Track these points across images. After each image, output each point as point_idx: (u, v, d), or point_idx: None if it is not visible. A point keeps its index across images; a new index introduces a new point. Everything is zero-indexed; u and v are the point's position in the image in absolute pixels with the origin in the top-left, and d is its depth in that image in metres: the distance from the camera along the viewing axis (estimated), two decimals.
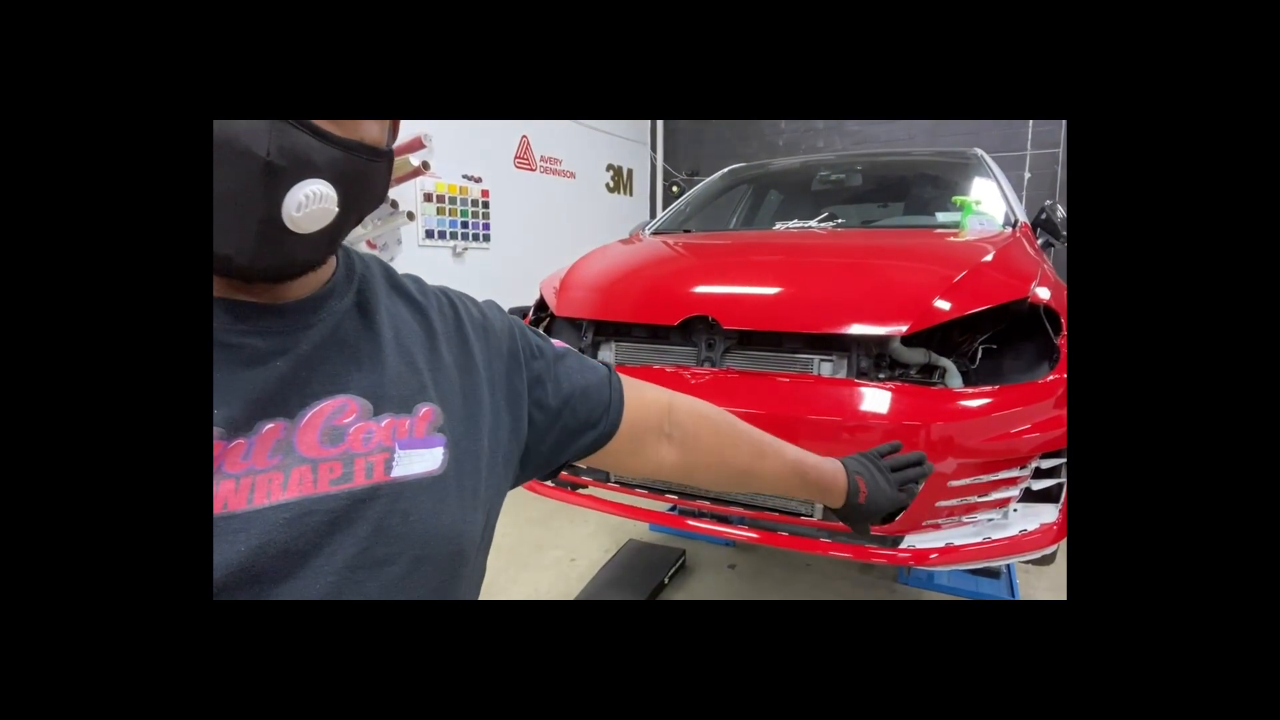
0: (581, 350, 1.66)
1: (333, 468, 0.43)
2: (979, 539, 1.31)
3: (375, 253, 3.74)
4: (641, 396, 0.67)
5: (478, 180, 4.11)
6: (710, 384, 1.40)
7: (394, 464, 0.45)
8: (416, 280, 0.57)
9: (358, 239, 3.27)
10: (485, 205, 4.20)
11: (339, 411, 0.44)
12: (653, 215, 5.98)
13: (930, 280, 1.43)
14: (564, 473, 1.69)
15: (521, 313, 4.05)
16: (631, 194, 5.76)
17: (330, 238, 0.42)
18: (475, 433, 0.51)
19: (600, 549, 2.50)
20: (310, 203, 0.38)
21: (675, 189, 2.84)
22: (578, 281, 1.76)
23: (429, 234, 3.81)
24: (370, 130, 0.42)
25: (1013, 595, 2.01)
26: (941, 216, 2.09)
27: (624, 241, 2.18)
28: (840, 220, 2.18)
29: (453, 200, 3.95)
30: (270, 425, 0.41)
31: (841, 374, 1.38)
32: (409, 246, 3.62)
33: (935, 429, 1.24)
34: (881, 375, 1.37)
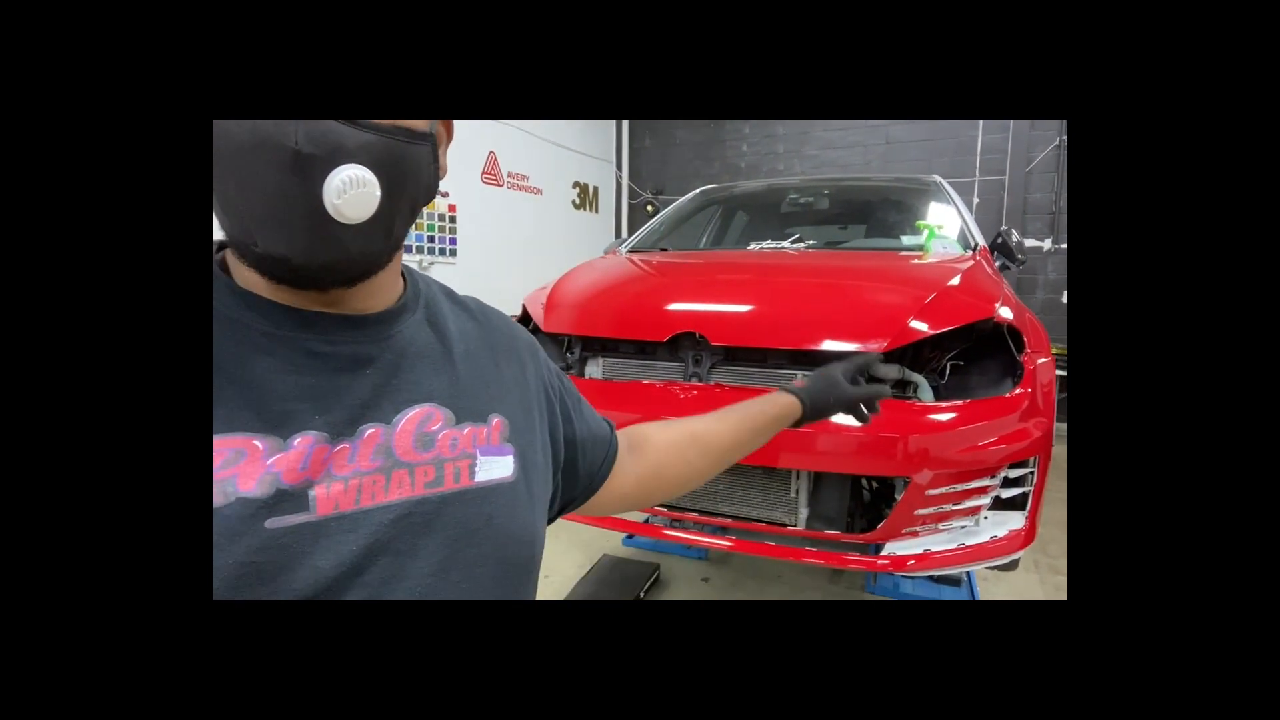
0: (569, 366, 1.68)
1: (426, 471, 0.45)
2: (954, 545, 1.38)
3: None
4: (621, 462, 0.67)
5: (445, 195, 4.10)
6: (699, 399, 1.44)
7: (477, 469, 0.47)
8: (475, 300, 0.59)
9: None
10: (452, 220, 4.18)
11: (428, 419, 0.46)
12: (618, 233, 6.04)
13: (904, 302, 1.51)
14: None
15: None
16: (597, 211, 5.82)
17: (385, 227, 0.41)
18: (533, 446, 0.54)
19: (574, 565, 2.50)
20: (349, 187, 0.37)
21: (650, 208, 2.89)
22: (564, 298, 1.78)
23: None
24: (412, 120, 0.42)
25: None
26: (906, 240, 2.19)
27: (604, 259, 2.22)
28: (811, 242, 2.27)
29: (420, 215, 3.92)
30: (371, 429, 0.43)
31: None
32: None
33: (913, 441, 1.31)
34: None
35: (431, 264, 4.03)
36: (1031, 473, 1.42)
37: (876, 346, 1.39)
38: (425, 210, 3.95)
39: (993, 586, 2.25)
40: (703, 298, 1.65)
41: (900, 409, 1.37)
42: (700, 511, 1.50)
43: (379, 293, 0.47)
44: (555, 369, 0.63)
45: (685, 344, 1.52)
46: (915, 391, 1.49)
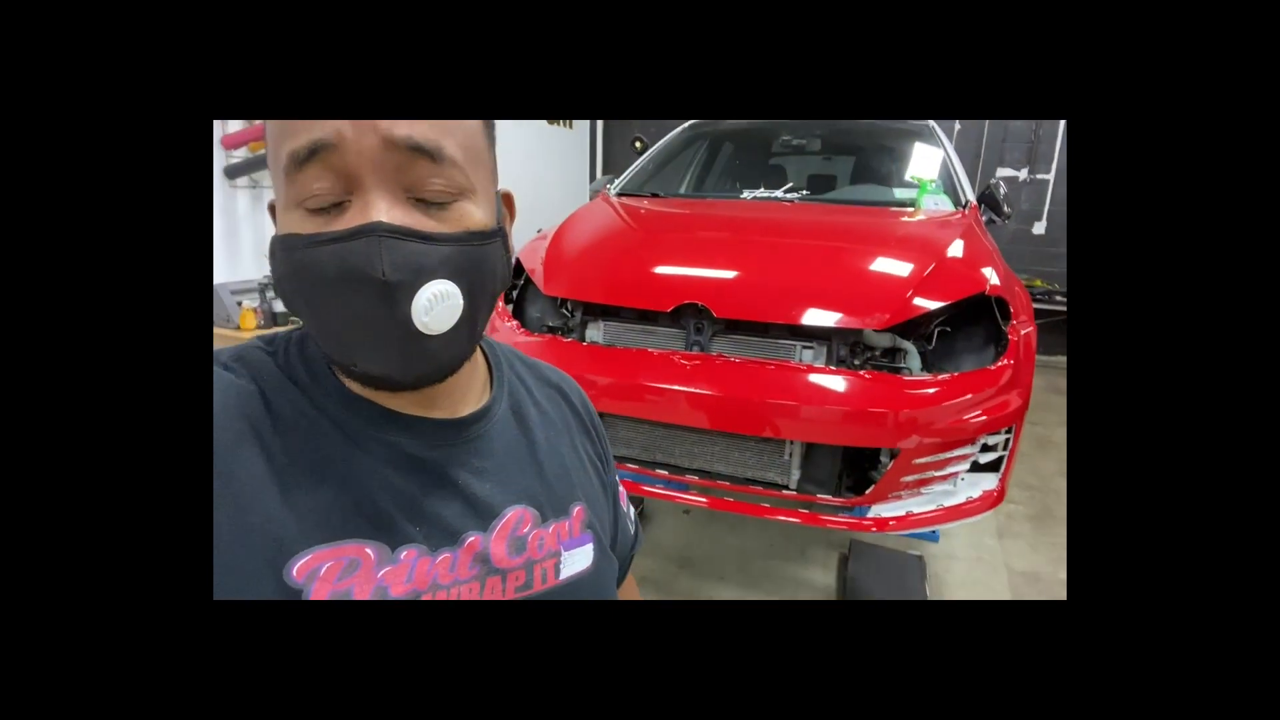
0: (569, 329, 1.68)
1: (518, 576, 0.47)
2: (933, 506, 1.50)
3: None
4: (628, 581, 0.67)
5: None
6: (701, 369, 1.48)
7: (562, 567, 0.49)
8: (549, 369, 0.59)
9: None
10: None
11: (519, 523, 0.48)
12: (592, 148, 5.82)
13: (905, 275, 1.54)
14: None
15: None
16: (571, 127, 5.56)
17: (469, 329, 0.43)
18: (605, 522, 0.56)
19: None
20: (436, 304, 0.39)
21: (638, 145, 2.79)
22: (564, 259, 1.75)
23: None
24: (473, 214, 0.42)
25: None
26: (898, 193, 2.19)
27: (598, 209, 2.16)
28: (804, 192, 2.25)
29: None
30: (471, 538, 0.45)
31: (821, 361, 1.49)
32: None
33: (903, 415, 1.38)
34: (856, 361, 1.49)
35: None
36: (1008, 438, 1.52)
37: (876, 323, 1.43)
38: None
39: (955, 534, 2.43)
40: (707, 264, 1.64)
41: (891, 384, 1.43)
42: (698, 473, 1.58)
43: (468, 390, 0.49)
44: (609, 447, 0.63)
45: (688, 313, 1.53)
46: (904, 357, 1.55)
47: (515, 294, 1.85)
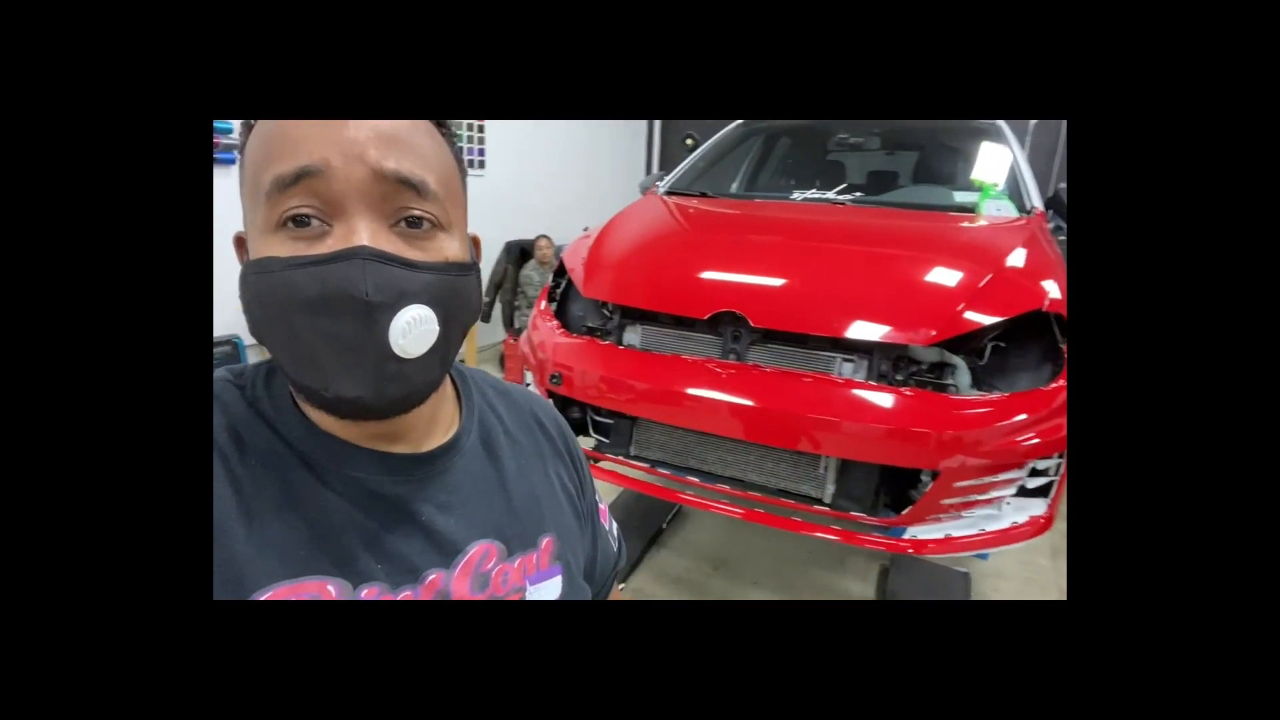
0: (607, 331, 1.69)
1: None
2: (974, 531, 1.43)
3: None
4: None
5: None
6: (735, 378, 1.46)
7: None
8: (524, 392, 0.59)
9: None
10: (480, 130, 4.04)
11: (484, 558, 0.47)
12: (649, 143, 5.79)
13: (957, 287, 1.47)
14: (584, 444, 1.77)
15: (521, 246, 3.97)
16: (628, 120, 5.55)
17: (442, 356, 0.43)
18: (577, 551, 0.56)
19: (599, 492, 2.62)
20: (414, 327, 0.39)
21: (689, 142, 2.76)
22: (605, 260, 1.75)
23: None
24: (449, 248, 0.43)
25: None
26: (959, 196, 2.09)
27: (643, 208, 2.15)
28: (857, 193, 2.18)
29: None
30: (433, 576, 0.45)
31: (862, 375, 1.45)
32: None
33: (947, 436, 1.32)
34: (899, 377, 1.44)
35: None
36: (1060, 463, 1.44)
37: (923, 339, 1.38)
38: (452, 121, 3.82)
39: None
40: (747, 271, 1.61)
41: (935, 402, 1.37)
42: (729, 481, 1.56)
43: (435, 423, 0.49)
44: (588, 474, 0.62)
45: (725, 320, 1.51)
46: (953, 373, 1.49)
47: (558, 294, 1.87)
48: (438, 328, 0.41)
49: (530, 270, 3.77)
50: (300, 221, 0.38)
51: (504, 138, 4.19)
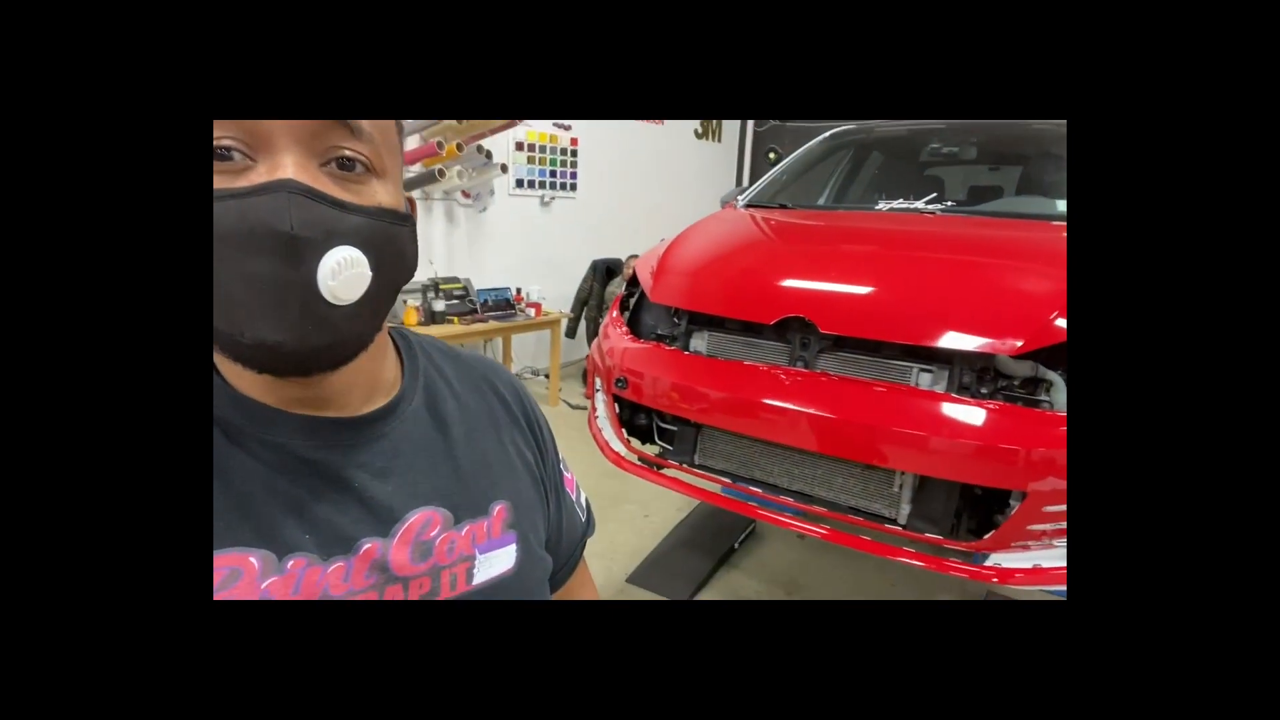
0: (674, 337, 1.69)
1: (422, 584, 0.44)
2: (1067, 562, 1.29)
3: (469, 203, 3.78)
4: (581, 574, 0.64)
5: (567, 128, 4.09)
6: (803, 385, 1.41)
7: (475, 572, 0.46)
8: (478, 359, 0.57)
9: (454, 189, 3.36)
10: (574, 154, 4.19)
11: (426, 526, 0.45)
12: (740, 163, 5.79)
13: (1048, 292, 1.36)
14: (647, 450, 1.76)
15: (607, 265, 4.07)
16: (720, 140, 5.59)
17: (372, 307, 0.40)
18: (535, 522, 0.53)
19: (674, 507, 2.59)
20: (343, 269, 0.37)
21: (771, 155, 2.73)
22: (674, 266, 1.76)
23: (519, 183, 3.85)
24: (383, 195, 0.40)
25: None
26: (1062, 205, 1.94)
27: (718, 218, 2.15)
28: (949, 203, 2.07)
29: (543, 149, 3.97)
30: (368, 544, 0.42)
31: (941, 386, 1.36)
32: (500, 196, 3.69)
33: (1035, 454, 1.21)
34: (984, 390, 1.34)
35: (553, 199, 4.09)
36: None
37: (1008, 348, 1.27)
38: (548, 145, 4.00)
39: None
40: (816, 276, 1.57)
41: (1024, 418, 1.26)
42: (795, 495, 1.50)
43: (372, 387, 0.46)
44: (551, 440, 0.59)
45: (794, 326, 1.47)
46: (1048, 390, 1.36)
47: (630, 303, 1.89)
48: (369, 273, 0.38)
49: (614, 287, 3.85)
50: (223, 155, 0.36)
51: (595, 160, 4.32)
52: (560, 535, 0.58)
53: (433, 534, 0.45)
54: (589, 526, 0.64)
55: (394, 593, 0.43)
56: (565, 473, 0.62)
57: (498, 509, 0.50)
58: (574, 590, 0.63)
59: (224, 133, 0.36)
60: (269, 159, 0.36)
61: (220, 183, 0.36)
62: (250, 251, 0.35)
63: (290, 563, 0.40)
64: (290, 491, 0.41)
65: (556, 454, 0.60)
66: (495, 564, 0.48)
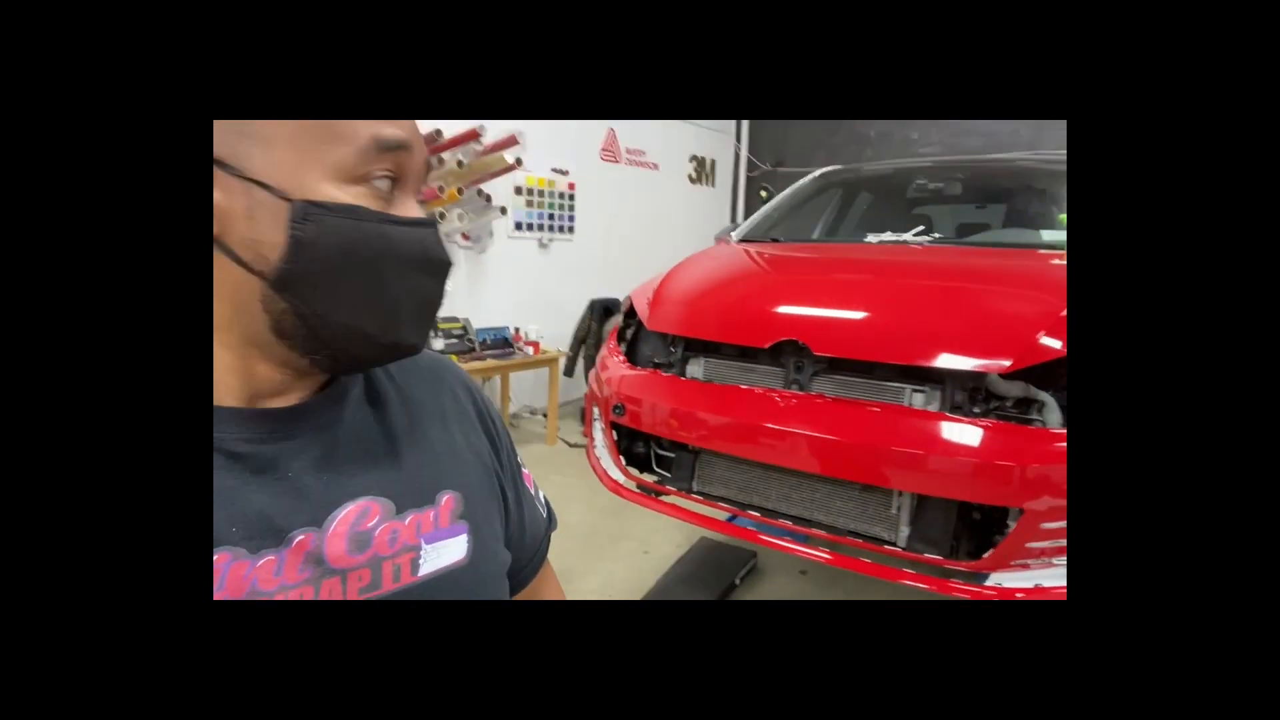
0: (670, 364, 1.71)
1: (361, 576, 0.42)
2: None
3: (469, 244, 3.84)
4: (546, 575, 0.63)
5: (565, 173, 4.21)
6: (798, 408, 1.43)
7: (421, 562, 0.45)
8: (429, 355, 0.57)
9: (454, 231, 3.43)
10: (571, 198, 4.30)
11: (363, 516, 0.43)
12: (734, 206, 5.93)
13: (1035, 312, 1.39)
14: (645, 478, 1.76)
15: (604, 304, 4.12)
16: (714, 185, 5.73)
17: None
18: (490, 514, 0.52)
19: (673, 543, 2.56)
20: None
21: (763, 194, 2.81)
22: (669, 295, 1.80)
23: (518, 226, 3.93)
24: None
25: None
26: (1047, 235, 1.99)
27: (713, 251, 2.20)
28: (935, 235, 2.13)
29: (541, 193, 4.06)
30: (301, 536, 0.40)
31: (934, 406, 1.37)
32: (499, 239, 3.77)
33: (1030, 471, 1.22)
34: (976, 410, 1.36)
35: (551, 240, 4.17)
36: None
37: (999, 366, 1.30)
38: (546, 189, 4.11)
39: None
40: (808, 301, 1.60)
41: (1018, 435, 1.27)
42: (793, 519, 1.50)
43: (309, 379, 0.45)
44: (506, 436, 0.59)
45: (788, 350, 1.49)
46: (1040, 411, 1.38)
47: (628, 334, 1.92)
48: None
49: (612, 325, 3.89)
50: (382, 183, 0.41)
51: (592, 204, 4.43)
52: (522, 531, 0.58)
53: (370, 524, 0.44)
54: (551, 522, 0.63)
55: (331, 586, 0.41)
56: (523, 469, 0.61)
57: (445, 499, 0.48)
58: (539, 590, 0.62)
59: (390, 165, 0.40)
60: (403, 196, 0.42)
61: (381, 206, 0.41)
62: (427, 272, 0.43)
63: (215, 557, 0.38)
64: (217, 484, 0.38)
65: (513, 449, 0.60)
66: (444, 554, 0.47)
